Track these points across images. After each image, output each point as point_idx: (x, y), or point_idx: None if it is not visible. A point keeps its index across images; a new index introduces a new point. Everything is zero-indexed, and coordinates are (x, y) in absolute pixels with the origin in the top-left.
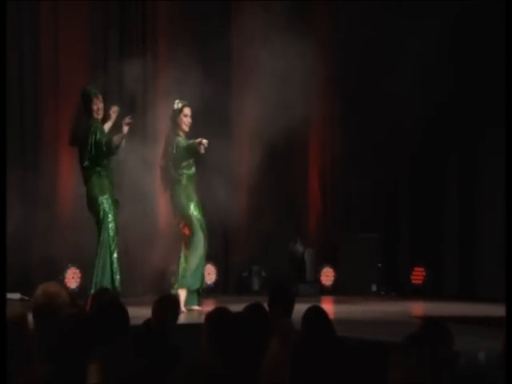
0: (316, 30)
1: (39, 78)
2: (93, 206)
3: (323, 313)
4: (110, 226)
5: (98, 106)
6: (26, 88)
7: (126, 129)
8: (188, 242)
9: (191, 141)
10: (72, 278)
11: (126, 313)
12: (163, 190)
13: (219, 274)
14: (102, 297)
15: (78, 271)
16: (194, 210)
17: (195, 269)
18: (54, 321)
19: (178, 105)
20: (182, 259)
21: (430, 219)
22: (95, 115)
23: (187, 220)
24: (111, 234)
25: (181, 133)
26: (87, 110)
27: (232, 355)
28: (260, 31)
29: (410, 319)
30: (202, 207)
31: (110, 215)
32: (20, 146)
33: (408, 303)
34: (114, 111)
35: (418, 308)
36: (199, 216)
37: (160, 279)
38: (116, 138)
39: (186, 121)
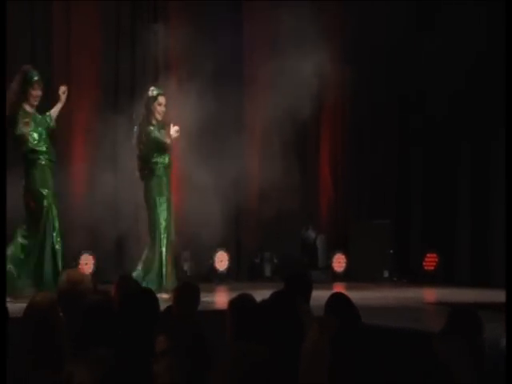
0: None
1: (51, 67)
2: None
3: (348, 299)
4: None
5: (37, 92)
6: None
7: (63, 97)
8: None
9: (162, 139)
10: (86, 264)
11: (156, 299)
12: (140, 179)
13: (231, 260)
14: (128, 283)
15: (91, 257)
16: (162, 210)
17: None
18: (79, 306)
19: (152, 92)
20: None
21: (443, 205)
22: (32, 101)
23: (152, 220)
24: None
25: (154, 121)
26: (24, 94)
27: (257, 342)
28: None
29: (423, 305)
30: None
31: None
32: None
33: (420, 289)
34: (64, 91)
35: (430, 294)
36: (165, 216)
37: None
38: (54, 110)
39: (159, 109)
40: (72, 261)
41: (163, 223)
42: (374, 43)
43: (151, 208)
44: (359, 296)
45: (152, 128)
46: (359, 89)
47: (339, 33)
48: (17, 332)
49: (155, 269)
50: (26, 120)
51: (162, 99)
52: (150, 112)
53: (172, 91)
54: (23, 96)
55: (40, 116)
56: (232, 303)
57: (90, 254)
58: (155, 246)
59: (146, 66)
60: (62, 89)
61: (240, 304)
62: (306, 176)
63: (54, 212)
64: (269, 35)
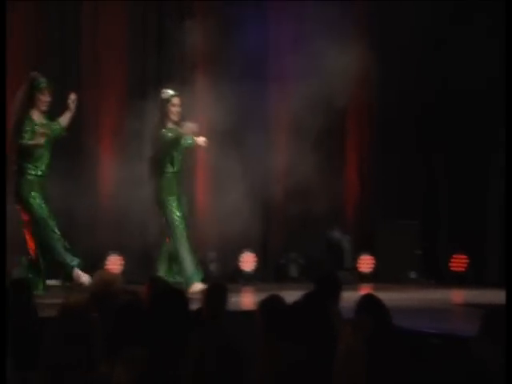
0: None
1: (80, 66)
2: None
3: (379, 301)
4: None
5: (46, 98)
6: (68, 77)
7: (73, 106)
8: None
9: (177, 132)
10: (114, 264)
11: (187, 299)
12: (147, 178)
13: (257, 261)
14: (159, 284)
15: (119, 258)
16: (173, 207)
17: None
18: (112, 306)
19: (165, 94)
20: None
21: (471, 205)
22: (41, 107)
23: (168, 221)
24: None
25: (170, 124)
26: (32, 100)
27: (287, 342)
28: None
29: (452, 307)
30: (184, 202)
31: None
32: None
33: (448, 291)
34: (73, 100)
35: (459, 296)
36: (178, 213)
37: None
38: (63, 119)
39: (174, 110)
40: (100, 261)
41: (178, 219)
42: (402, 42)
43: (163, 208)
44: (386, 297)
45: (164, 131)
46: (386, 87)
47: (367, 31)
48: (51, 333)
49: (185, 264)
50: (42, 131)
51: (175, 100)
52: (164, 114)
53: (198, 89)
54: (31, 103)
55: (45, 122)
56: (262, 304)
57: (118, 255)
58: (177, 243)
59: (173, 65)
60: (72, 97)
61: (270, 305)
62: (331, 176)
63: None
64: (295, 33)
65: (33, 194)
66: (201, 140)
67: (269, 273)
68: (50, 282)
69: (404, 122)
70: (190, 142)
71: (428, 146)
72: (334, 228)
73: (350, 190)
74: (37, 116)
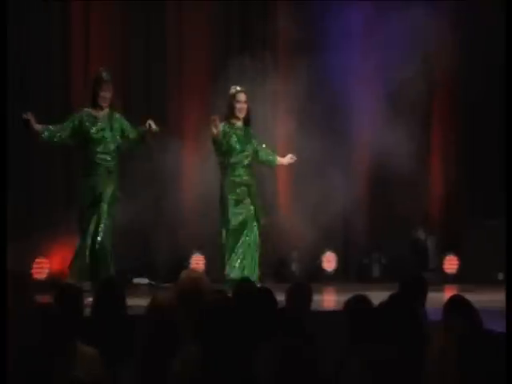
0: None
1: (165, 67)
2: None
3: (469, 302)
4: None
5: (104, 94)
6: (152, 77)
7: (153, 125)
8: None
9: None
10: (197, 264)
11: (274, 299)
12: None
13: (339, 261)
14: (246, 284)
15: (202, 257)
16: (231, 208)
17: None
18: (200, 305)
19: (232, 90)
20: None
21: None
22: (100, 102)
23: (222, 218)
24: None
25: (234, 120)
26: (92, 95)
27: (374, 342)
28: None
29: None
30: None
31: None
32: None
33: None
34: (150, 125)
35: None
36: (235, 215)
37: (281, 266)
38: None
39: (238, 106)
40: (183, 260)
41: (232, 222)
42: (489, 32)
43: (221, 206)
44: (473, 299)
45: (226, 129)
46: (473, 80)
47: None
48: (140, 331)
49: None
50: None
51: (240, 96)
52: (229, 110)
53: (280, 88)
54: (91, 98)
55: (104, 116)
56: (347, 304)
57: (201, 254)
58: (221, 240)
59: (256, 65)
60: (150, 125)
61: (356, 305)
62: (416, 175)
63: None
64: (379, 32)
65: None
66: (287, 158)
67: (351, 273)
68: (136, 281)
69: (491, 117)
70: (270, 158)
71: None
72: (419, 228)
73: (436, 189)
74: (94, 112)
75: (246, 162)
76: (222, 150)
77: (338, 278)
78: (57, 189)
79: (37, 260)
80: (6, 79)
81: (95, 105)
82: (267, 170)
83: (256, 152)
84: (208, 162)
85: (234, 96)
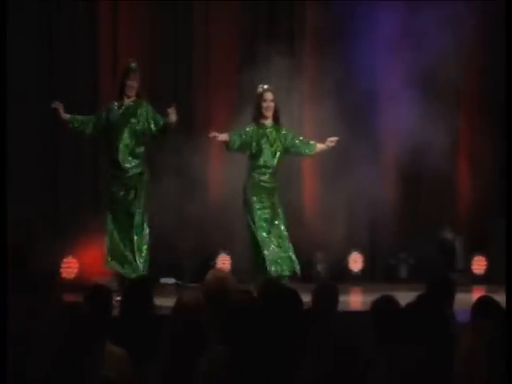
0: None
1: (192, 66)
2: None
3: (497, 303)
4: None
5: (131, 83)
6: (180, 76)
7: (172, 116)
8: None
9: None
10: (223, 263)
11: (300, 299)
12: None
13: (366, 261)
14: (272, 284)
15: (228, 257)
16: (256, 209)
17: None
18: (226, 305)
19: (259, 88)
20: None
21: None
22: (126, 91)
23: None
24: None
25: (262, 120)
26: (120, 86)
27: (402, 343)
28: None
29: None
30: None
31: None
32: (174, 146)
33: None
34: (172, 112)
35: None
36: (261, 215)
37: (306, 266)
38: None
39: (265, 105)
40: (210, 260)
41: (257, 223)
42: None
43: (245, 208)
44: (501, 300)
45: (255, 130)
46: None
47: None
48: (167, 330)
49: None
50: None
51: (267, 95)
52: (256, 110)
53: (306, 88)
54: (118, 89)
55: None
56: (375, 305)
57: (227, 254)
58: (251, 242)
59: (283, 64)
60: (171, 110)
61: (383, 305)
62: (444, 175)
63: None
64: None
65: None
66: (327, 142)
67: (378, 273)
68: (163, 281)
69: None
70: (308, 146)
71: None
72: (446, 228)
73: (463, 189)
74: (121, 101)
75: (272, 163)
76: (252, 152)
77: (364, 279)
78: (85, 189)
79: (65, 260)
80: (6, 79)
81: (122, 95)
82: (293, 170)
83: (292, 145)
84: (235, 162)
85: (261, 95)
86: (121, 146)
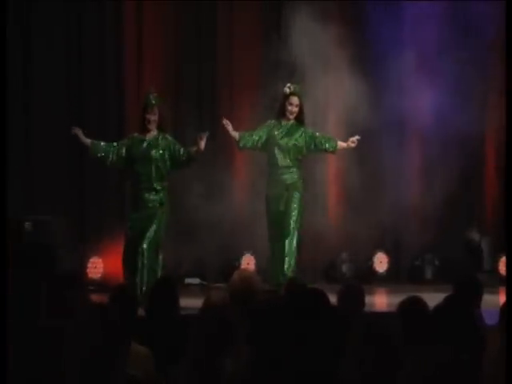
0: None
1: (215, 66)
2: None
3: None
4: None
5: (149, 116)
6: (204, 78)
7: (202, 144)
8: None
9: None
10: (247, 264)
11: (327, 299)
12: None
13: (391, 262)
14: (296, 284)
15: (252, 258)
16: (270, 208)
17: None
18: (252, 304)
19: (287, 89)
20: None
21: None
22: (146, 125)
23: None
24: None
25: (284, 120)
26: (139, 119)
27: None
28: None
29: None
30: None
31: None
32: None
33: None
34: (202, 138)
35: None
36: (270, 208)
37: (331, 267)
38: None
39: (290, 109)
40: (234, 261)
41: (273, 221)
42: None
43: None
44: None
45: (272, 126)
46: None
47: None
48: (193, 330)
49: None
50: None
51: (293, 99)
52: (280, 110)
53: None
54: (139, 122)
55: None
56: (402, 306)
57: (251, 255)
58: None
59: (306, 63)
60: (202, 136)
61: (411, 307)
62: (469, 174)
63: None
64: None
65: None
66: (349, 142)
67: (403, 274)
68: (187, 281)
69: None
70: (329, 143)
71: None
72: (473, 228)
73: (489, 189)
74: (138, 135)
75: (286, 160)
76: (267, 149)
77: (389, 280)
78: (111, 190)
79: (91, 260)
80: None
81: (143, 128)
82: (317, 171)
83: (313, 139)
84: (260, 163)
85: (287, 97)
86: (143, 179)
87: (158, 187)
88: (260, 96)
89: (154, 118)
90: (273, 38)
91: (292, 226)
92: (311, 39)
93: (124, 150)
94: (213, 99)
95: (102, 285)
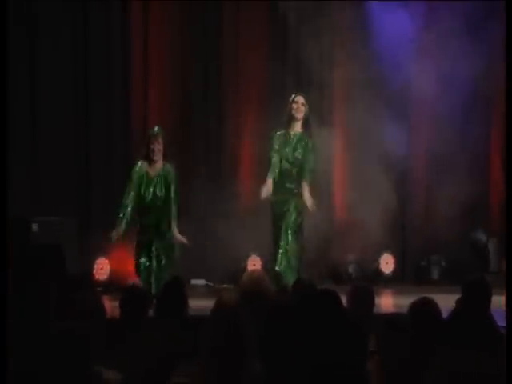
0: None
1: (222, 66)
2: None
3: None
4: None
5: (153, 146)
6: (211, 77)
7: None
8: None
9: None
10: (254, 265)
11: (339, 300)
12: None
13: (397, 263)
14: (305, 285)
15: (258, 259)
16: (276, 210)
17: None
18: (262, 305)
19: (290, 98)
20: None
21: None
22: (151, 156)
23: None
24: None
25: (291, 129)
26: (145, 149)
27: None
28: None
29: None
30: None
31: None
32: (204, 147)
33: None
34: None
35: None
36: (275, 211)
37: (337, 268)
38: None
39: (295, 107)
40: (240, 262)
41: (280, 223)
42: None
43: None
44: None
45: (273, 134)
46: None
47: None
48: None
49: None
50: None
51: (298, 98)
52: (288, 114)
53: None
54: (144, 152)
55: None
56: (413, 307)
57: (258, 256)
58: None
59: (313, 65)
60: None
61: (422, 308)
62: (475, 175)
63: None
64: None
65: None
66: (309, 203)
67: (409, 275)
68: (193, 282)
69: None
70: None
71: None
72: (479, 229)
73: (495, 190)
74: (142, 165)
75: (286, 166)
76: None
77: (395, 281)
78: (118, 191)
79: (97, 261)
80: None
81: (149, 159)
82: (323, 171)
83: (304, 158)
84: (265, 164)
85: (292, 99)
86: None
87: (165, 224)
88: (266, 96)
89: (158, 146)
90: (279, 38)
91: (291, 225)
92: (317, 39)
93: (136, 185)
94: (218, 99)
95: (108, 286)
